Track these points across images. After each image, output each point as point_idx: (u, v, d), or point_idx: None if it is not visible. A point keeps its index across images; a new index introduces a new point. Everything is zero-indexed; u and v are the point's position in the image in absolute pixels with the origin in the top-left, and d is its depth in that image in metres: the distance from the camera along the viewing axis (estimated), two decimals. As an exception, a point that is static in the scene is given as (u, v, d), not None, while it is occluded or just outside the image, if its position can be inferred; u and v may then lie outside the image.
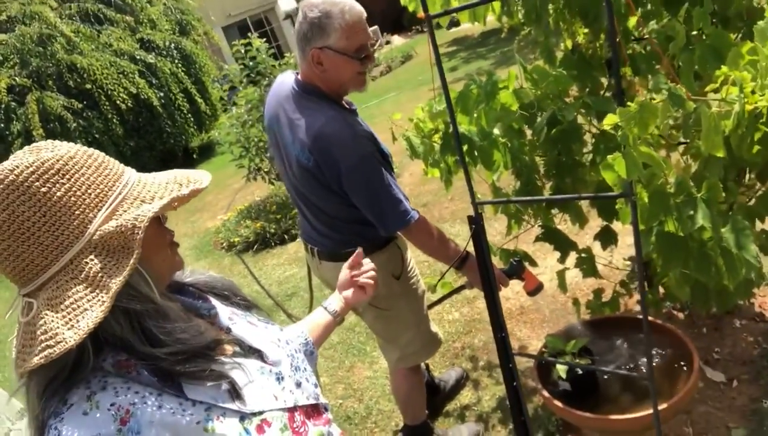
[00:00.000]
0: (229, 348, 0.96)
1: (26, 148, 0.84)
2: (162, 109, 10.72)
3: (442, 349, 2.74)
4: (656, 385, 1.46)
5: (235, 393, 0.88)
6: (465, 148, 1.97)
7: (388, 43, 17.72)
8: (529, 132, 1.98)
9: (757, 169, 1.85)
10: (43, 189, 0.79)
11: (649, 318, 1.99)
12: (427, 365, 2.57)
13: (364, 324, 3.38)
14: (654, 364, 1.78)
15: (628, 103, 1.16)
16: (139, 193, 0.87)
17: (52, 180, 0.80)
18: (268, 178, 5.96)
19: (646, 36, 2.04)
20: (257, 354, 1.00)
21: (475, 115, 1.91)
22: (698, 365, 1.68)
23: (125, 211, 0.84)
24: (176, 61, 11.46)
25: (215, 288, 1.11)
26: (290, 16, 19.17)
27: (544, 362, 1.87)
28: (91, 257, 0.80)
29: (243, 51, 5.69)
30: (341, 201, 1.73)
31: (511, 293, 3.22)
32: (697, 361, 1.69)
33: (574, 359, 1.76)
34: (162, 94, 10.79)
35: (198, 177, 0.93)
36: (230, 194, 7.20)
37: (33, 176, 0.79)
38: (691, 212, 1.29)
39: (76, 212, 0.81)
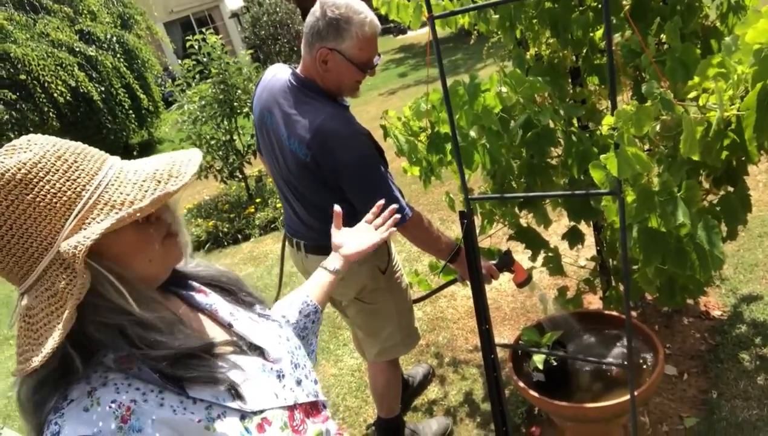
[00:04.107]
0: (227, 348, 0.94)
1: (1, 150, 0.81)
2: (102, 103, 10.35)
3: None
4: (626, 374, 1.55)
5: (236, 393, 0.87)
6: (448, 148, 2.03)
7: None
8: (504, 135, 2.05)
9: (716, 175, 1.99)
10: (5, 203, 0.76)
11: (615, 314, 2.11)
12: (396, 361, 2.61)
13: (327, 323, 3.39)
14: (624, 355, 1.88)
15: (624, 106, 1.25)
16: (110, 197, 0.80)
17: (14, 192, 0.76)
18: (221, 177, 5.86)
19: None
20: (258, 351, 0.98)
21: (456, 116, 1.97)
22: (663, 357, 1.80)
23: (94, 219, 0.79)
24: (118, 55, 11.10)
25: (221, 283, 1.08)
26: (236, 15, 18.89)
27: (520, 353, 1.95)
28: (60, 270, 0.77)
29: (197, 47, 5.57)
30: (335, 196, 1.74)
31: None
32: (662, 353, 1.80)
33: (549, 350, 1.84)
34: (103, 88, 10.43)
35: (182, 169, 0.85)
36: (177, 193, 7.00)
37: None
38: (672, 209, 1.39)
39: (43, 224, 0.77)
